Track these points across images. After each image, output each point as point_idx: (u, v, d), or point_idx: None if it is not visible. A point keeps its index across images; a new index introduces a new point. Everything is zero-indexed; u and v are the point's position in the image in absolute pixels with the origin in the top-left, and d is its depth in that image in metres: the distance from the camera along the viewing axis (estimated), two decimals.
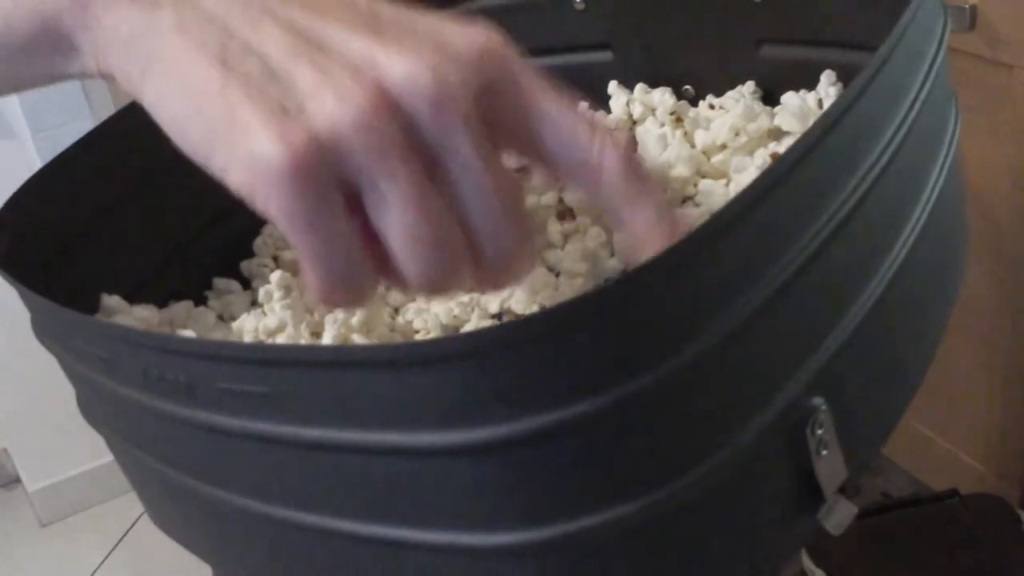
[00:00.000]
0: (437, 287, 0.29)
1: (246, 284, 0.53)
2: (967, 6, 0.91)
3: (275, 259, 0.53)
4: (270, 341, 0.45)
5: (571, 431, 0.27)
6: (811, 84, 0.51)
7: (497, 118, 0.29)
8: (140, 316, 0.44)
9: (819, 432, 0.32)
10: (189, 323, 0.47)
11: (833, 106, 0.31)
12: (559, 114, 0.30)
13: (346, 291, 0.28)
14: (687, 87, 0.56)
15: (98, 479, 1.92)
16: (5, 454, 1.96)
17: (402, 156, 0.27)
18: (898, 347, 0.36)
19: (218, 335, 0.46)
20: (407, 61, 0.28)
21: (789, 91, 0.50)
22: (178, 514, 0.40)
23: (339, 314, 0.45)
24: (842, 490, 0.34)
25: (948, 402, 1.19)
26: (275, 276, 0.47)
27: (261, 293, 0.47)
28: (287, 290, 0.46)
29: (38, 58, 0.33)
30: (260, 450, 0.32)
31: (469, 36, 0.29)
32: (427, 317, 0.46)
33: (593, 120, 0.31)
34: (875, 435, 0.36)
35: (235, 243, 0.54)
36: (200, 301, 0.51)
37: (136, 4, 0.30)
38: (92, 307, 0.46)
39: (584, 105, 0.50)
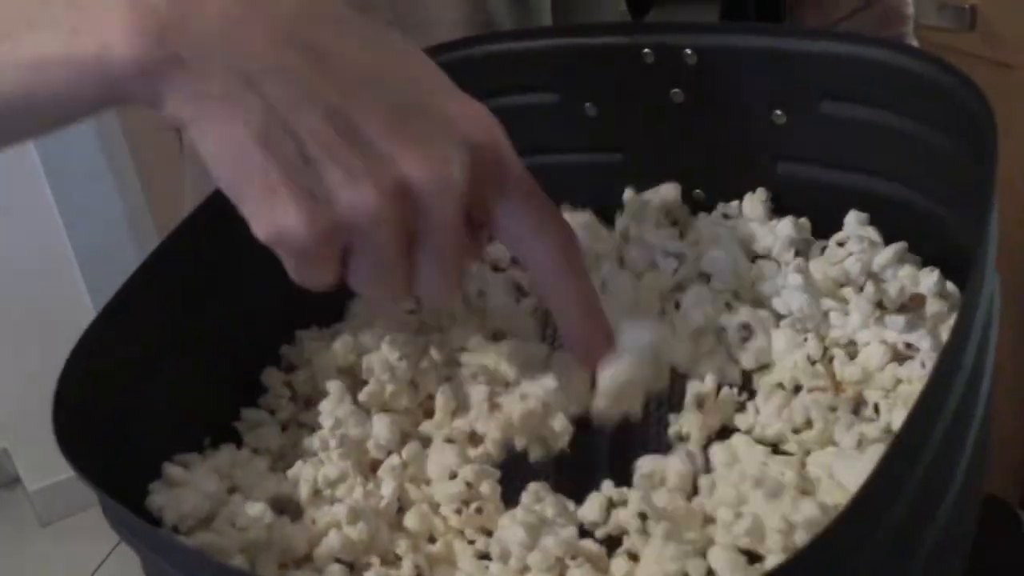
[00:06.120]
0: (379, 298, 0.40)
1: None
2: (967, 6, 0.90)
3: (288, 385, 0.52)
4: (328, 492, 0.45)
5: None
6: (825, 203, 0.53)
7: (477, 191, 0.38)
8: (205, 491, 0.43)
9: None
10: (235, 471, 0.46)
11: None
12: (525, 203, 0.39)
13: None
14: (697, 191, 0.57)
15: None
16: (5, 454, 1.92)
17: (395, 236, 0.36)
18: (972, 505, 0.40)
19: (271, 485, 0.45)
20: (423, 168, 0.35)
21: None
22: None
23: (394, 460, 0.46)
24: None
25: None
26: (325, 428, 0.46)
27: (316, 441, 0.46)
28: (342, 438, 0.46)
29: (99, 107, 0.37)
30: None
31: (477, 124, 0.37)
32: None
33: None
34: None
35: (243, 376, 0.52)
36: (226, 433, 0.50)
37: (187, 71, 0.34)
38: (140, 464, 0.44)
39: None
